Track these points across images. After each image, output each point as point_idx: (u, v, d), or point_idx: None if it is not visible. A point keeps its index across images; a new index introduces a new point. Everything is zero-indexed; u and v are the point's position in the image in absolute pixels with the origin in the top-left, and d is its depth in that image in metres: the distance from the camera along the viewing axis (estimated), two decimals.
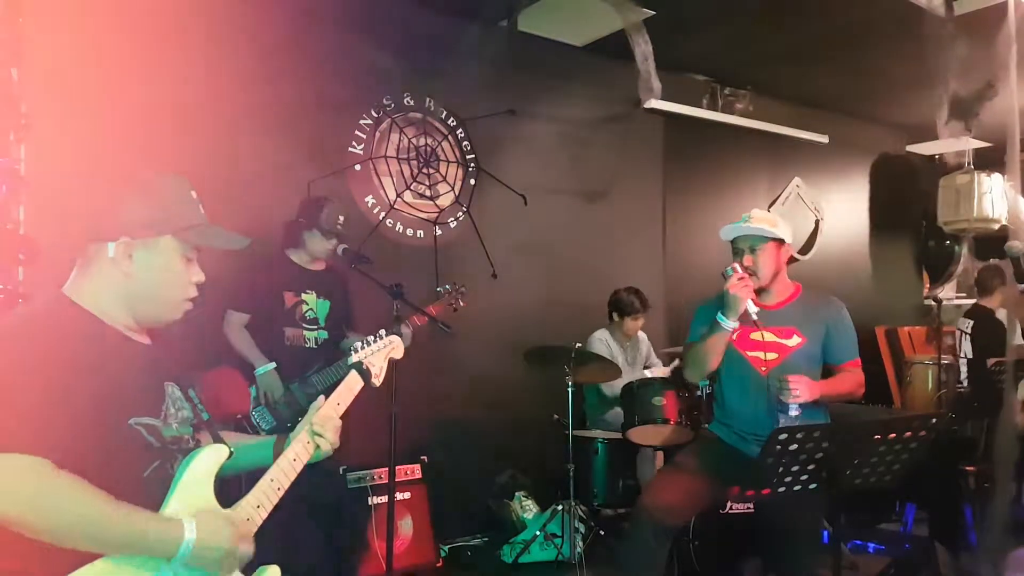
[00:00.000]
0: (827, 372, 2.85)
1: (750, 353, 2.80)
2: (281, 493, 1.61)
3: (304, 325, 3.44)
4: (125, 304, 1.54)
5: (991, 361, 4.31)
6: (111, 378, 1.42)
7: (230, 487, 1.60)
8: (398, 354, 2.06)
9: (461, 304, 3.64)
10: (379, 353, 1.98)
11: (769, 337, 2.77)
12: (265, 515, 1.58)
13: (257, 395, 3.31)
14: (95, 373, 1.39)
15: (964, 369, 4.93)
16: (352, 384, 1.86)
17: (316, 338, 3.46)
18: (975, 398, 4.60)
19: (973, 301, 6.78)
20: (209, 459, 1.53)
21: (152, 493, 1.44)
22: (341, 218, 3.44)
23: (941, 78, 4.06)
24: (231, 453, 1.57)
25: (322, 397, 1.79)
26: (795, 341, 2.79)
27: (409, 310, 3.33)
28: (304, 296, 3.45)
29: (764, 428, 2.67)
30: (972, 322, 4.80)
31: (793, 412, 2.60)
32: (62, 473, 1.28)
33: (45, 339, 1.39)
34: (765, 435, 2.61)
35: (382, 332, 2.04)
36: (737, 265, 2.70)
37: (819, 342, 2.82)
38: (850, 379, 2.81)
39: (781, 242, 2.82)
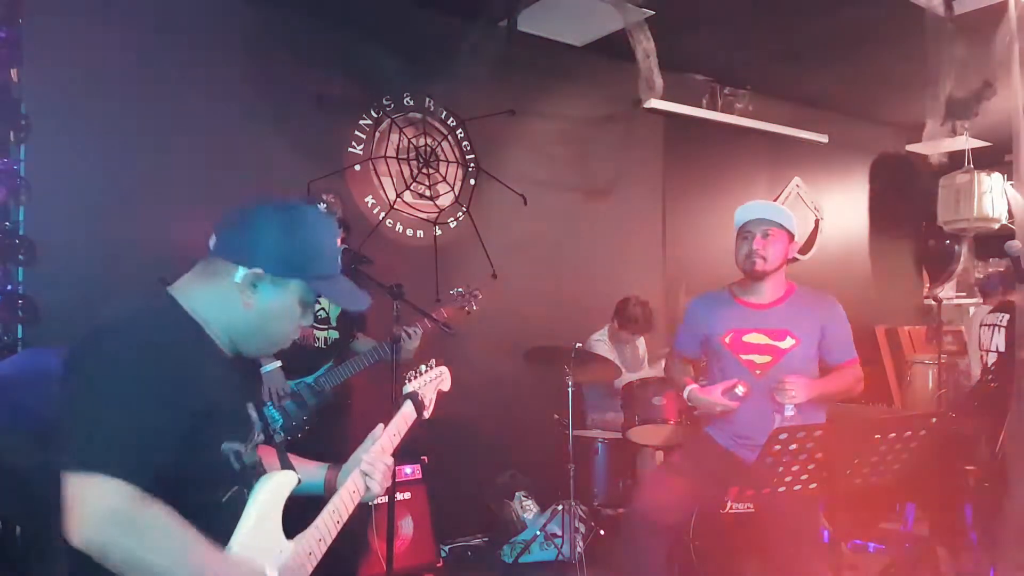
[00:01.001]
0: (824, 371, 2.83)
1: (744, 356, 2.77)
2: (340, 526, 1.56)
3: (315, 324, 3.44)
4: (229, 328, 1.46)
5: (1022, 353, 4.29)
6: (209, 395, 1.36)
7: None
8: (446, 386, 2.05)
9: (474, 307, 3.64)
10: (430, 384, 1.98)
11: (762, 339, 2.76)
12: (325, 548, 1.53)
13: (264, 393, 3.30)
14: (196, 388, 1.33)
15: (988, 363, 4.90)
16: (407, 415, 1.84)
17: (326, 338, 3.46)
18: (1002, 392, 4.56)
19: (974, 300, 6.79)
20: (279, 487, 1.46)
21: (228, 518, 1.38)
22: (326, 197, 3.41)
23: (940, 77, 4.05)
24: (299, 480, 1.50)
25: (380, 426, 1.74)
26: (789, 343, 2.76)
27: (416, 313, 3.34)
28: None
29: (758, 432, 2.65)
30: (1007, 315, 4.78)
31: (789, 413, 2.58)
32: (151, 503, 1.22)
33: (154, 344, 1.31)
34: (759, 440, 2.62)
35: (432, 362, 2.03)
36: (742, 390, 2.70)
37: (815, 343, 2.79)
38: (848, 376, 2.79)
39: (792, 238, 2.83)
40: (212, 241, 1.48)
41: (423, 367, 1.98)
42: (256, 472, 1.48)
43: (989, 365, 4.70)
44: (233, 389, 1.46)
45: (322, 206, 3.40)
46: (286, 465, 1.53)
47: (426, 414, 1.91)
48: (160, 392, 1.27)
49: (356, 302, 1.58)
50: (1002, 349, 4.64)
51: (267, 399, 3.29)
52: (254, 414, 1.53)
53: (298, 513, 1.53)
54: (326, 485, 1.67)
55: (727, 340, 2.79)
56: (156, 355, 1.30)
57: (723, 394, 2.70)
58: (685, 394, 2.84)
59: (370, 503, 3.51)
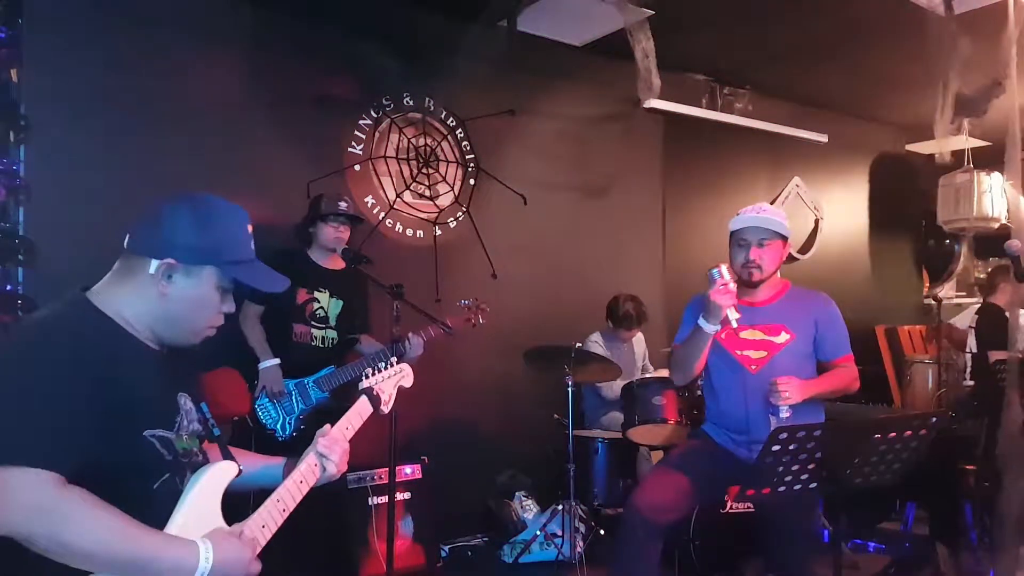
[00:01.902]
0: (820, 369, 2.82)
1: (739, 352, 2.77)
2: (286, 514, 1.61)
3: (313, 323, 3.45)
4: (150, 321, 1.51)
5: (993, 356, 4.32)
6: (128, 387, 1.40)
7: (236, 504, 1.59)
8: (407, 383, 2.07)
9: (481, 321, 3.65)
10: (389, 380, 1.99)
11: (757, 335, 2.76)
12: (270, 535, 1.57)
13: (259, 388, 3.31)
14: (112, 381, 1.37)
15: (969, 364, 4.95)
16: (361, 409, 1.86)
17: (324, 336, 3.46)
18: (977, 393, 4.60)
19: (973, 300, 6.80)
20: (219, 476, 1.52)
21: (161, 507, 1.43)
22: (342, 204, 3.46)
23: (946, 76, 4.04)
24: (240, 471, 1.56)
25: (327, 426, 1.78)
26: (783, 338, 2.75)
27: (422, 318, 3.35)
28: (317, 294, 3.45)
29: (754, 429, 2.66)
30: (977, 317, 4.82)
31: (784, 414, 2.54)
32: (72, 488, 1.26)
33: (65, 342, 1.36)
34: (755, 437, 2.62)
35: (393, 359, 2.06)
36: (724, 268, 2.57)
37: (809, 339, 2.78)
38: (843, 375, 2.77)
39: (786, 241, 2.83)
40: (126, 240, 1.54)
41: (382, 364, 2.01)
42: (192, 462, 1.54)
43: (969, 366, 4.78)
44: (156, 380, 1.50)
45: (342, 204, 3.44)
46: (228, 457, 1.59)
47: (384, 409, 1.93)
48: (71, 385, 1.31)
49: (273, 285, 1.62)
50: (975, 350, 4.70)
51: (260, 393, 3.31)
52: (189, 404, 1.58)
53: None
54: (284, 477, 1.70)
55: (722, 336, 2.78)
56: (64, 351, 1.35)
57: (713, 292, 2.55)
58: (700, 325, 2.66)
59: (370, 502, 3.55)
